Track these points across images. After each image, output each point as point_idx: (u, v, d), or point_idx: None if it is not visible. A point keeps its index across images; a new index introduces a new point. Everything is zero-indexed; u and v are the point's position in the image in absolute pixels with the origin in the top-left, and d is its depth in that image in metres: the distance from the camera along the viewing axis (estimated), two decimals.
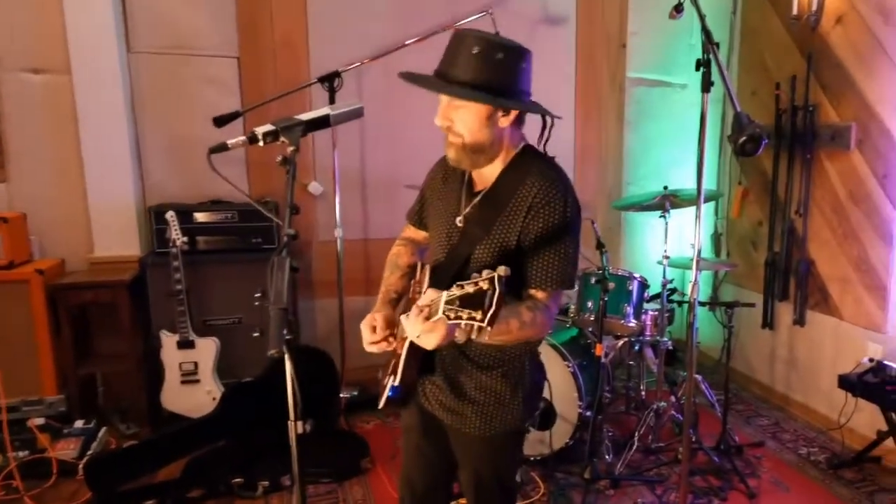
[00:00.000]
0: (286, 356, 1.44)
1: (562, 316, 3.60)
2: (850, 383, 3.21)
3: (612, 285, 3.16)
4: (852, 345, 3.56)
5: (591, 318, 3.36)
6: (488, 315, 1.32)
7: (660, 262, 3.40)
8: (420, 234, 2.09)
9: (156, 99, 3.98)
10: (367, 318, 1.84)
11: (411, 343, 1.71)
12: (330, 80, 3.60)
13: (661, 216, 3.37)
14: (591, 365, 3.37)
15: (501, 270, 1.32)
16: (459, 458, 1.96)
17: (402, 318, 1.81)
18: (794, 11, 3.57)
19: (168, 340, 3.69)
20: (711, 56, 2.38)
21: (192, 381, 3.73)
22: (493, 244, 1.73)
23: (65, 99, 3.78)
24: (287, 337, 1.39)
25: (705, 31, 2.41)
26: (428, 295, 1.51)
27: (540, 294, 1.71)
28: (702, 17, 2.48)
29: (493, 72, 1.65)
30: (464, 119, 1.69)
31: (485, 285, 1.32)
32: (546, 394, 3.28)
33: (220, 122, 3.54)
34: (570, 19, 4.49)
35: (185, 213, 3.80)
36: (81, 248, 3.91)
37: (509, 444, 1.96)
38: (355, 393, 4.05)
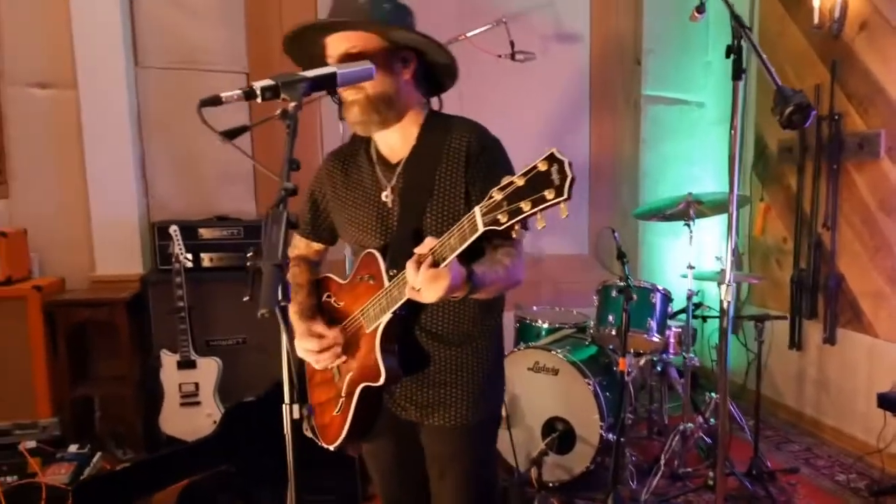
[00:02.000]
0: (280, 321, 1.26)
1: (580, 333, 3.45)
2: (891, 402, 3.04)
3: (634, 297, 3.02)
4: (889, 363, 3.39)
5: (612, 333, 3.20)
6: (566, 186, 1.19)
7: (683, 276, 3.27)
8: (313, 248, 1.96)
9: (162, 114, 3.91)
10: (301, 332, 1.74)
11: (384, 332, 1.62)
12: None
13: (685, 224, 3.24)
14: (612, 384, 3.19)
15: (553, 149, 1.22)
16: (437, 463, 1.80)
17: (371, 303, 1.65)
18: (816, 21, 3.51)
19: (168, 360, 3.54)
20: (744, 40, 2.27)
21: (192, 403, 3.56)
22: (442, 206, 1.63)
23: (70, 114, 3.71)
24: (282, 303, 1.23)
25: (735, 17, 2.31)
26: (426, 243, 1.41)
27: (507, 243, 1.64)
28: (730, 5, 2.38)
29: (384, 18, 1.60)
30: None
31: (543, 166, 1.21)
32: (566, 415, 3.13)
33: (229, 135, 3.45)
34: (584, 36, 4.45)
35: (189, 229, 3.68)
36: (83, 267, 3.80)
37: (491, 434, 1.92)
38: None
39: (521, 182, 1.24)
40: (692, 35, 4.61)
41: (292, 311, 1.83)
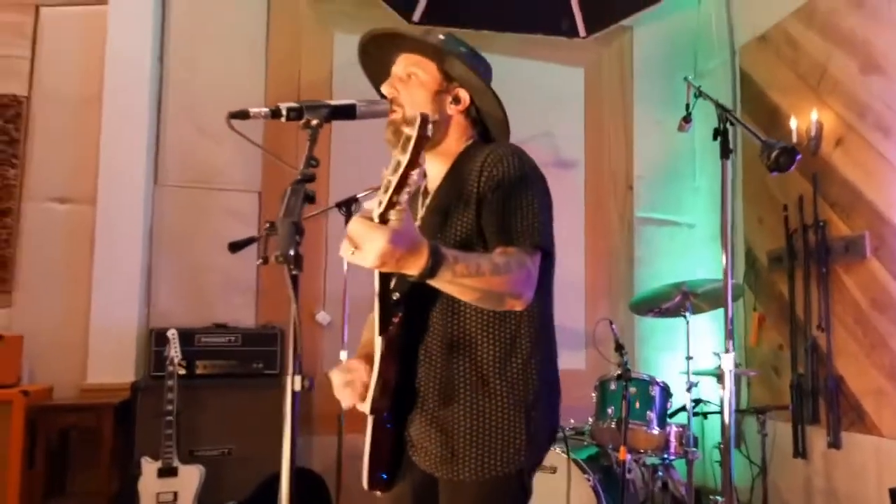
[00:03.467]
0: (288, 274, 1.28)
1: (578, 436, 3.33)
2: None
3: (633, 390, 2.98)
4: None
5: (612, 426, 3.10)
6: (410, 147, 1.15)
7: (683, 372, 3.23)
8: None
9: (174, 229, 4.06)
10: (341, 366, 1.67)
11: (381, 359, 1.53)
12: (347, 206, 3.65)
13: (681, 315, 3.26)
14: (613, 485, 3.04)
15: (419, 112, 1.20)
16: None
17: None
18: (794, 140, 3.75)
19: (149, 468, 3.38)
20: (728, 120, 2.46)
21: None
22: (454, 229, 1.60)
23: (84, 228, 3.84)
24: (294, 272, 1.28)
25: (718, 105, 2.51)
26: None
27: (511, 249, 1.51)
28: (713, 99, 2.58)
29: (455, 53, 1.69)
30: (411, 91, 1.69)
31: (411, 130, 1.18)
32: None
33: (235, 247, 3.58)
34: (580, 163, 4.76)
35: (186, 336, 3.67)
36: (74, 374, 3.75)
37: (511, 496, 1.61)
38: None
39: (399, 156, 1.21)
40: (681, 162, 4.91)
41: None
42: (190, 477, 3.40)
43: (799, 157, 2.05)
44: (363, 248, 1.24)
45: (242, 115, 1.52)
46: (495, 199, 1.57)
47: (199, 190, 4.13)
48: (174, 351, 3.49)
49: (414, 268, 1.30)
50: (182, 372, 3.50)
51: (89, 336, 3.77)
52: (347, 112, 1.62)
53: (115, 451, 3.50)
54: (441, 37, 1.74)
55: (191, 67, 4.15)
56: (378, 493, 1.65)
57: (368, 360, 1.63)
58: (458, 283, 1.38)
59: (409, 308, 1.58)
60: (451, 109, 1.71)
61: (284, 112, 1.52)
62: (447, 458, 1.57)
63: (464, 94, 1.72)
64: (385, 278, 1.52)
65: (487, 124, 1.80)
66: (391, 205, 1.22)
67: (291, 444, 1.35)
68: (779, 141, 2.10)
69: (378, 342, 1.54)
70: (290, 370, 1.35)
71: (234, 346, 3.81)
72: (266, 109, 1.55)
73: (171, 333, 3.55)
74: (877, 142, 3.44)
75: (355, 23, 4.36)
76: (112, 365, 3.77)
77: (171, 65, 4.12)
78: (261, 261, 1.37)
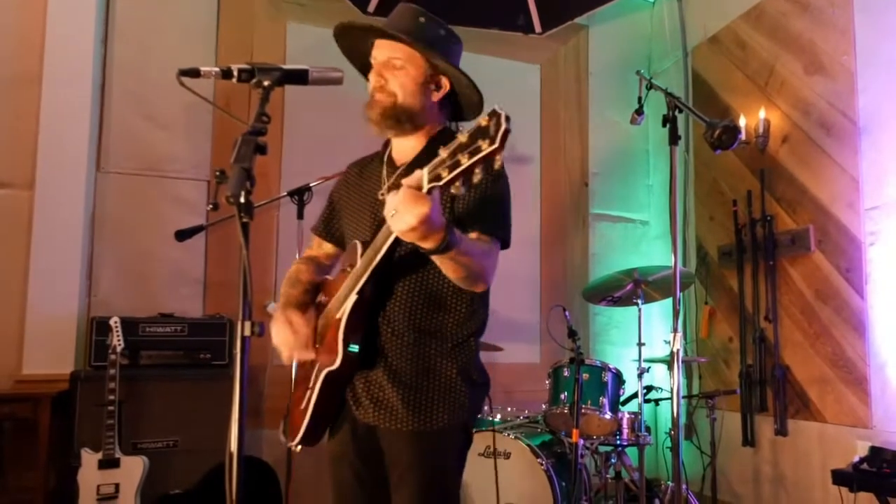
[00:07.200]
0: (238, 222, 1.30)
1: (532, 423, 3.34)
2: (847, 477, 2.93)
3: (586, 376, 3.00)
4: (840, 447, 3.34)
5: (565, 411, 3.11)
6: (499, 135, 1.21)
7: (635, 360, 3.27)
8: (324, 250, 2.04)
9: (118, 216, 3.92)
10: (278, 318, 1.75)
11: (349, 315, 1.63)
12: (300, 194, 3.61)
13: (633, 304, 3.31)
14: (565, 471, 3.06)
15: (495, 105, 1.25)
16: (396, 470, 1.72)
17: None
18: (743, 137, 3.86)
19: (89, 459, 3.24)
20: (676, 106, 2.51)
21: None
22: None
23: (22, 214, 3.66)
24: (244, 219, 1.30)
25: (667, 94, 2.57)
26: (415, 174, 1.41)
27: (485, 237, 1.69)
28: (663, 89, 2.64)
29: (436, 40, 1.77)
30: (401, 80, 1.76)
31: (485, 121, 1.25)
32: (519, 502, 2.94)
33: (182, 235, 3.50)
34: (535, 159, 4.79)
35: (130, 325, 3.54)
36: (8, 366, 3.56)
37: (455, 444, 1.79)
38: None
39: (464, 139, 1.28)
40: (635, 161, 5.01)
41: (280, 301, 1.87)
42: (133, 468, 3.28)
43: (741, 135, 2.12)
44: (404, 213, 1.33)
45: (193, 72, 1.54)
46: (475, 191, 1.69)
47: (145, 177, 4.00)
48: (116, 339, 3.37)
49: (432, 242, 1.41)
50: (125, 362, 3.38)
51: (25, 325, 3.59)
52: (300, 77, 1.63)
53: (53, 443, 3.35)
54: (422, 20, 1.80)
55: (138, 52, 4.00)
56: (298, 448, 1.78)
57: (299, 310, 1.80)
58: (455, 260, 1.51)
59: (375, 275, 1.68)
60: (434, 96, 1.81)
61: (236, 73, 1.53)
62: (403, 408, 1.69)
63: (445, 82, 1.82)
64: (394, 245, 1.59)
65: (462, 105, 1.91)
66: (449, 184, 1.31)
67: (241, 391, 1.34)
68: (721, 120, 2.16)
69: (350, 301, 1.64)
70: (240, 316, 1.35)
71: (180, 335, 3.69)
72: (217, 69, 1.55)
73: (114, 321, 3.42)
74: (819, 139, 3.57)
75: (308, 13, 4.34)
76: (50, 355, 3.61)
77: (117, 49, 3.97)
78: (211, 206, 1.37)
